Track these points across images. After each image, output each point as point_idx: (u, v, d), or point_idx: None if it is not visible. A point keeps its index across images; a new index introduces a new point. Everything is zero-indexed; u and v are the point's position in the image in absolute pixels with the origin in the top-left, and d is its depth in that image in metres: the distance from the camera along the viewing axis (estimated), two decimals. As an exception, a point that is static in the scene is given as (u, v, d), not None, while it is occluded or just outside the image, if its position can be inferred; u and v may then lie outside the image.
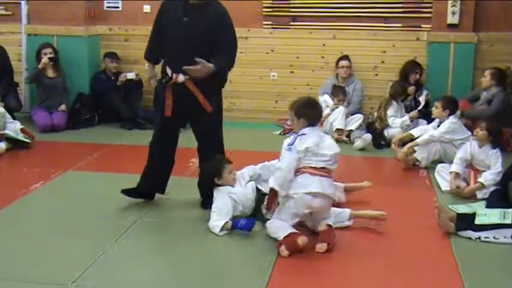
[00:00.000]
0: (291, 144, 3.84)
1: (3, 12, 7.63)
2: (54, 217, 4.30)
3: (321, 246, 3.72)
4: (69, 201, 4.63)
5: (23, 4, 7.39)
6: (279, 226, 3.83)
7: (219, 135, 4.48)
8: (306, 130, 3.91)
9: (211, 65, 4.07)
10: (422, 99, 6.65)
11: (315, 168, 3.83)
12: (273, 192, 3.82)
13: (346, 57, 6.90)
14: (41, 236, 4.00)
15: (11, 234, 4.04)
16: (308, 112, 3.97)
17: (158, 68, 4.52)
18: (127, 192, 4.45)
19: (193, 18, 4.15)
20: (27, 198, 4.70)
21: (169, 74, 4.28)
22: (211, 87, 4.24)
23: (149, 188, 4.51)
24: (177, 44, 4.19)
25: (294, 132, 4.12)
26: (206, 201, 4.38)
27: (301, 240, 3.65)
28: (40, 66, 6.96)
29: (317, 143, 3.85)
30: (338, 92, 6.69)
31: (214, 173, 4.24)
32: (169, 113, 4.26)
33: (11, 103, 6.57)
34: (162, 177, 4.52)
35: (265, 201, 4.01)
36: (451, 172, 4.93)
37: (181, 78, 4.20)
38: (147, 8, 7.35)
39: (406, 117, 6.33)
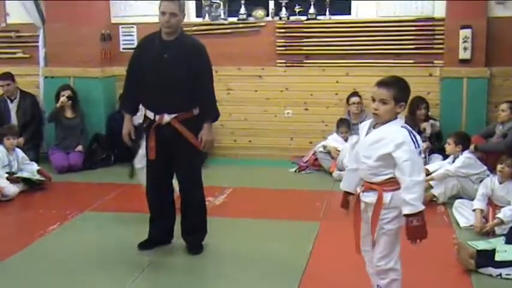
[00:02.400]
0: (418, 146, 3.01)
1: (22, 55, 7.79)
2: (71, 258, 4.31)
3: None
4: (86, 243, 4.64)
5: (41, 47, 7.54)
6: None
7: (200, 173, 4.43)
8: (401, 122, 3.10)
9: (206, 127, 4.18)
10: (428, 128, 6.62)
11: None
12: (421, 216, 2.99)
13: (356, 94, 6.94)
14: (58, 277, 4.01)
15: (28, 276, 4.05)
16: (408, 97, 3.17)
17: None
18: (143, 246, 4.43)
19: (173, 54, 4.12)
20: (44, 239, 4.72)
21: (152, 117, 4.22)
22: (198, 124, 4.23)
23: (160, 236, 4.49)
24: (158, 83, 4.12)
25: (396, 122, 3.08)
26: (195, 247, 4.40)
27: None
28: (58, 104, 7.08)
29: None
30: (342, 125, 6.74)
31: None
32: (153, 156, 4.22)
33: (30, 155, 6.60)
34: (167, 227, 4.49)
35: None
36: (474, 209, 4.87)
37: (166, 118, 4.15)
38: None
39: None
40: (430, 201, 5.49)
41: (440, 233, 4.76)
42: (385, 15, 7.06)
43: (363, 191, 3.15)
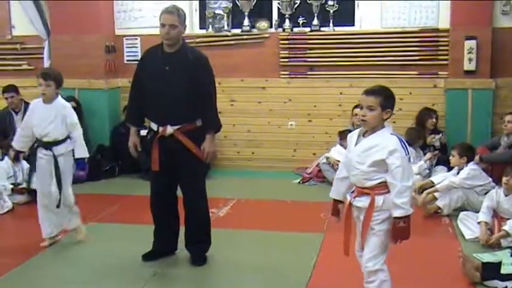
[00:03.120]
0: (408, 153, 3.18)
1: (27, 67, 7.83)
2: (75, 269, 4.32)
3: None
4: (90, 253, 4.64)
5: (46, 59, 7.57)
6: None
7: (204, 184, 4.45)
8: (390, 130, 3.25)
9: (209, 138, 4.20)
10: (436, 142, 6.63)
11: None
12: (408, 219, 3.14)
13: (358, 106, 6.92)
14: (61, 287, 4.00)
15: (34, 285, 4.04)
16: (394, 105, 3.30)
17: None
18: (147, 257, 4.43)
19: (174, 66, 4.14)
20: (48, 250, 4.72)
21: (155, 128, 4.26)
22: (201, 136, 4.24)
23: (164, 247, 4.49)
24: (161, 95, 4.14)
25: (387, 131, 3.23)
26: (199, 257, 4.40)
27: None
28: None
29: None
30: (345, 136, 6.70)
31: None
32: (157, 167, 4.23)
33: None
34: (171, 238, 4.49)
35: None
36: (479, 222, 4.84)
37: (169, 130, 4.17)
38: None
39: (422, 162, 6.30)
40: (435, 213, 5.48)
41: (445, 245, 4.76)
42: (389, 26, 7.08)
43: (355, 197, 3.29)
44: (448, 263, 4.25)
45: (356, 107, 6.95)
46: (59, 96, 4.74)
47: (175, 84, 4.11)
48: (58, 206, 4.68)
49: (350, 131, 6.69)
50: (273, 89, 7.37)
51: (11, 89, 7.09)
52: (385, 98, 3.22)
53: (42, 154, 4.66)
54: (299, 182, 6.80)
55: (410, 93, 7.01)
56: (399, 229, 3.14)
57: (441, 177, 5.77)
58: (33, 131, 4.67)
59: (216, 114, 4.33)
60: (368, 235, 3.25)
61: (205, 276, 4.22)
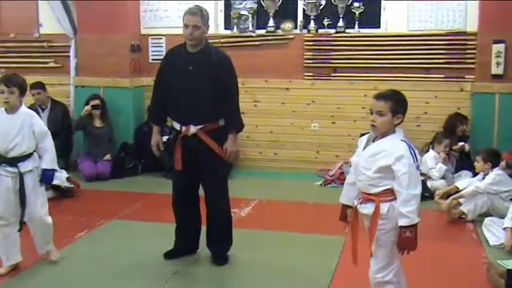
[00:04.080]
0: (416, 161, 3.08)
1: (53, 65, 7.92)
2: (97, 266, 4.34)
3: None
4: (112, 250, 4.68)
5: (72, 57, 7.66)
6: None
7: (227, 183, 4.44)
8: (401, 136, 3.15)
9: (231, 138, 4.19)
10: (467, 147, 6.56)
11: None
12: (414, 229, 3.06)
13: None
14: (83, 283, 4.04)
15: (55, 282, 4.09)
16: (406, 110, 3.17)
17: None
18: (169, 255, 4.45)
19: (198, 66, 4.14)
20: (72, 246, 4.76)
21: (178, 128, 4.26)
22: (224, 135, 4.24)
23: (185, 246, 4.51)
24: (184, 94, 4.16)
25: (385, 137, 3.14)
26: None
27: None
28: (83, 113, 7.20)
29: None
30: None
31: None
32: (180, 167, 4.24)
33: (59, 163, 6.54)
34: (192, 237, 4.50)
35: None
36: (504, 228, 4.75)
37: (192, 129, 4.18)
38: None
39: (440, 164, 6.24)
40: (459, 218, 5.42)
41: (469, 251, 4.70)
42: (415, 28, 7.01)
43: (361, 203, 3.21)
44: (472, 269, 4.20)
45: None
46: (23, 105, 4.20)
47: (198, 83, 4.12)
48: (20, 230, 4.14)
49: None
50: (297, 90, 7.35)
51: (38, 85, 7.18)
52: (396, 103, 3.10)
53: (5, 172, 4.08)
54: (321, 184, 6.78)
55: (436, 96, 6.94)
56: (405, 239, 3.02)
57: (466, 182, 5.71)
58: None
59: (238, 114, 4.33)
60: (375, 245, 3.15)
61: (226, 275, 4.23)
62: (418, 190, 3.03)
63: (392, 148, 3.05)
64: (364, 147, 3.20)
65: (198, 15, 4.13)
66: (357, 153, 3.27)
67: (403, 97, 3.19)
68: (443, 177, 6.26)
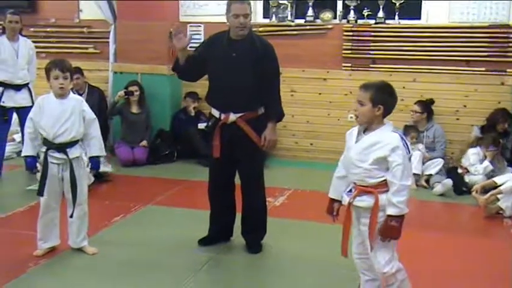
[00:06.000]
0: (409, 152, 3.11)
1: (93, 50, 8.03)
2: (132, 250, 4.41)
3: None
4: (147, 235, 4.74)
5: (111, 43, 7.74)
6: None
7: (263, 172, 4.45)
8: (391, 127, 3.18)
9: (270, 126, 4.19)
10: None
11: None
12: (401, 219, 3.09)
13: (417, 102, 6.75)
14: (118, 269, 4.10)
15: (90, 265, 4.16)
16: (390, 101, 3.19)
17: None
18: (203, 242, 4.48)
19: (242, 53, 4.13)
20: (108, 230, 4.84)
21: (217, 115, 4.26)
22: (262, 124, 4.23)
23: (220, 233, 4.54)
24: (227, 81, 4.14)
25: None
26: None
27: None
28: (116, 98, 7.30)
29: None
30: (409, 130, 6.56)
31: (45, 71, 4.07)
32: (218, 154, 4.24)
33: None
34: (227, 225, 4.53)
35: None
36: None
37: (232, 117, 4.18)
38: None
39: (487, 163, 6.12)
40: (497, 214, 5.33)
41: (505, 247, 4.63)
42: (457, 20, 6.89)
43: (355, 196, 3.18)
44: (507, 266, 4.13)
45: (415, 103, 6.82)
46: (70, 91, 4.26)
47: (241, 71, 4.11)
48: (71, 216, 4.21)
49: (412, 126, 6.62)
50: (334, 80, 7.30)
51: (76, 70, 7.26)
52: (376, 93, 3.12)
53: (52, 158, 4.11)
54: (356, 176, 6.73)
55: (476, 90, 6.82)
56: (389, 227, 3.06)
57: (505, 177, 5.60)
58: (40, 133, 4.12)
59: (279, 103, 4.32)
60: (374, 240, 3.14)
61: (259, 263, 4.25)
62: (410, 181, 3.08)
63: (387, 140, 3.07)
64: (356, 141, 3.20)
65: (246, 2, 4.13)
66: (347, 146, 3.27)
67: (387, 89, 3.19)
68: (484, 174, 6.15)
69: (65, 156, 4.10)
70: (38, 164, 4.19)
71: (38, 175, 4.26)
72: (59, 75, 4.05)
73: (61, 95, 4.11)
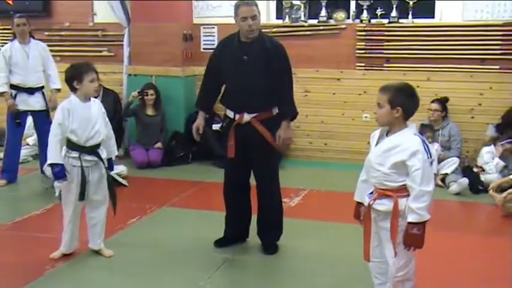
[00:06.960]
0: (430, 157, 3.03)
1: (107, 53, 8.08)
2: (149, 252, 4.44)
3: None
4: (163, 237, 4.76)
5: (125, 46, 7.79)
6: None
7: (278, 172, 4.46)
8: (413, 130, 3.12)
9: (284, 125, 4.19)
10: None
11: None
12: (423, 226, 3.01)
13: (435, 101, 6.73)
14: (134, 270, 4.13)
15: (107, 267, 4.20)
16: (409, 103, 3.10)
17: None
18: (219, 243, 4.50)
19: (253, 55, 4.15)
20: (124, 232, 4.88)
21: (232, 116, 4.29)
22: (277, 124, 4.24)
23: (236, 234, 4.55)
24: (240, 84, 4.17)
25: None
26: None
27: None
28: (130, 99, 7.34)
29: None
30: (425, 130, 6.53)
31: (75, 74, 4.07)
32: (232, 154, 4.26)
33: None
34: (243, 226, 4.54)
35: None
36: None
37: (246, 117, 4.21)
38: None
39: (497, 160, 6.09)
40: (516, 213, 5.31)
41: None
42: (471, 18, 6.85)
43: (375, 199, 3.14)
44: (526, 265, 4.11)
45: (433, 101, 6.79)
46: None
47: (254, 73, 4.14)
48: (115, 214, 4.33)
49: (428, 125, 6.60)
50: (348, 80, 7.30)
51: None
52: (395, 96, 3.05)
53: (86, 162, 4.13)
54: (371, 176, 6.71)
55: (491, 88, 6.78)
56: (411, 236, 2.97)
57: (522, 176, 5.58)
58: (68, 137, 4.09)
59: (292, 102, 4.33)
60: (396, 245, 3.08)
61: (275, 264, 4.26)
62: (431, 187, 2.98)
63: (407, 143, 3.01)
64: (377, 143, 3.16)
65: (253, 4, 4.15)
66: (370, 148, 3.23)
67: (407, 90, 3.13)
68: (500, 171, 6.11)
69: (96, 158, 4.15)
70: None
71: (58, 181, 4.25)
72: (95, 78, 4.13)
73: (94, 97, 4.23)
